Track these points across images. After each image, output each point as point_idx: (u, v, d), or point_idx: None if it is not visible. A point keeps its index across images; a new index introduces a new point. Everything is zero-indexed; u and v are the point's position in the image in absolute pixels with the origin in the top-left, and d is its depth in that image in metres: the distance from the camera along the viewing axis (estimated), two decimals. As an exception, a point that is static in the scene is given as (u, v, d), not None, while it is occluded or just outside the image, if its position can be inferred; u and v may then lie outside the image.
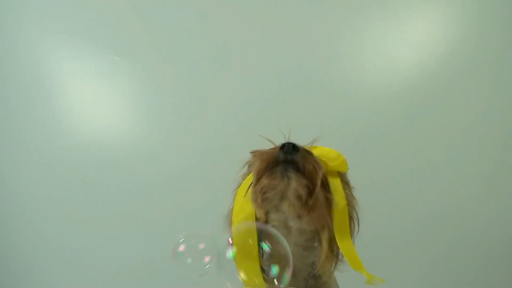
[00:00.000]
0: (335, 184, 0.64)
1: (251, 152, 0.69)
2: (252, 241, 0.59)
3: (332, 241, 0.63)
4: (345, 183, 0.68)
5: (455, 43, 1.47)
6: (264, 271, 0.60)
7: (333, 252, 0.63)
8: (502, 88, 1.45)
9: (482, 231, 1.43)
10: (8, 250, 1.58)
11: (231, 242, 0.58)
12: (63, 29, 1.57)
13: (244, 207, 0.64)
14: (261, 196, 0.59)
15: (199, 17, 1.55)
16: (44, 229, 1.57)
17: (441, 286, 1.45)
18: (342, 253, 0.62)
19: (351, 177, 0.72)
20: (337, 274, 0.72)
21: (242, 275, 0.59)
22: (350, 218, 0.65)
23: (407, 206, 1.45)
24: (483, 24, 1.46)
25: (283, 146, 0.58)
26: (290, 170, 0.57)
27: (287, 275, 0.57)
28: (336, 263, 0.64)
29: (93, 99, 1.58)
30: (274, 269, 0.57)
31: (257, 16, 1.53)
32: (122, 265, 1.53)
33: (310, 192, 0.57)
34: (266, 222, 0.64)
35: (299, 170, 0.57)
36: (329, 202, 0.61)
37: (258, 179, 0.59)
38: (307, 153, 0.59)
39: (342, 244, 0.61)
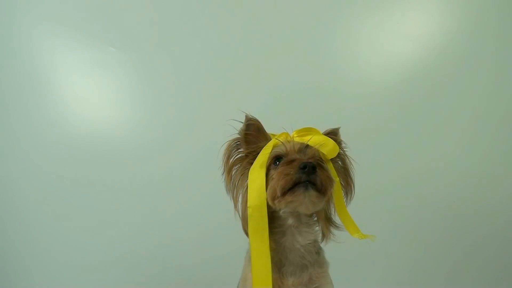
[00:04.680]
0: (329, 167, 0.76)
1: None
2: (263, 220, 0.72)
3: (327, 217, 0.80)
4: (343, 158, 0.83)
5: (451, 35, 1.48)
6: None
7: (328, 224, 0.80)
8: (498, 80, 1.46)
9: (477, 224, 1.45)
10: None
11: None
12: (57, 18, 1.55)
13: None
14: (285, 205, 0.72)
15: (199, 6, 1.53)
16: (35, 223, 1.54)
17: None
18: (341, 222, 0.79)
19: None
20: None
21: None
22: (348, 185, 0.83)
23: (401, 200, 1.46)
24: (479, 16, 1.46)
25: (304, 167, 0.68)
26: (311, 190, 0.69)
27: None
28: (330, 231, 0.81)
29: (87, 91, 1.56)
30: None
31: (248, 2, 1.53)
32: (116, 261, 1.52)
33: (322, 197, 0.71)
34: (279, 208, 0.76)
35: (316, 186, 0.69)
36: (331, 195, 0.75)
37: (283, 194, 0.70)
38: (321, 170, 0.70)
39: (341, 214, 0.78)
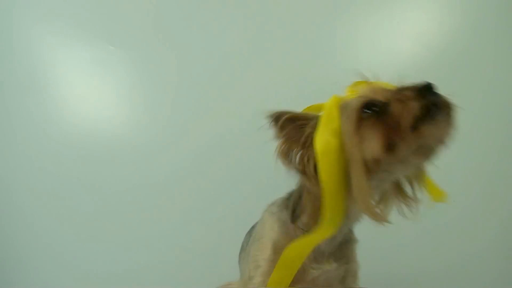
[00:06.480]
0: None
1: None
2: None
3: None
4: None
5: (451, 34, 1.47)
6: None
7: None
8: (498, 80, 1.46)
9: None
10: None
11: None
12: (56, 16, 1.54)
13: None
14: (417, 142, 0.57)
15: (202, 3, 1.52)
16: (34, 223, 1.54)
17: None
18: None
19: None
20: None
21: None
22: None
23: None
24: (480, 15, 1.46)
25: (429, 88, 0.56)
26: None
27: None
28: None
29: (87, 90, 1.55)
30: None
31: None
32: (116, 265, 1.51)
33: None
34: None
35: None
36: None
37: (414, 125, 0.55)
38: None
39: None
